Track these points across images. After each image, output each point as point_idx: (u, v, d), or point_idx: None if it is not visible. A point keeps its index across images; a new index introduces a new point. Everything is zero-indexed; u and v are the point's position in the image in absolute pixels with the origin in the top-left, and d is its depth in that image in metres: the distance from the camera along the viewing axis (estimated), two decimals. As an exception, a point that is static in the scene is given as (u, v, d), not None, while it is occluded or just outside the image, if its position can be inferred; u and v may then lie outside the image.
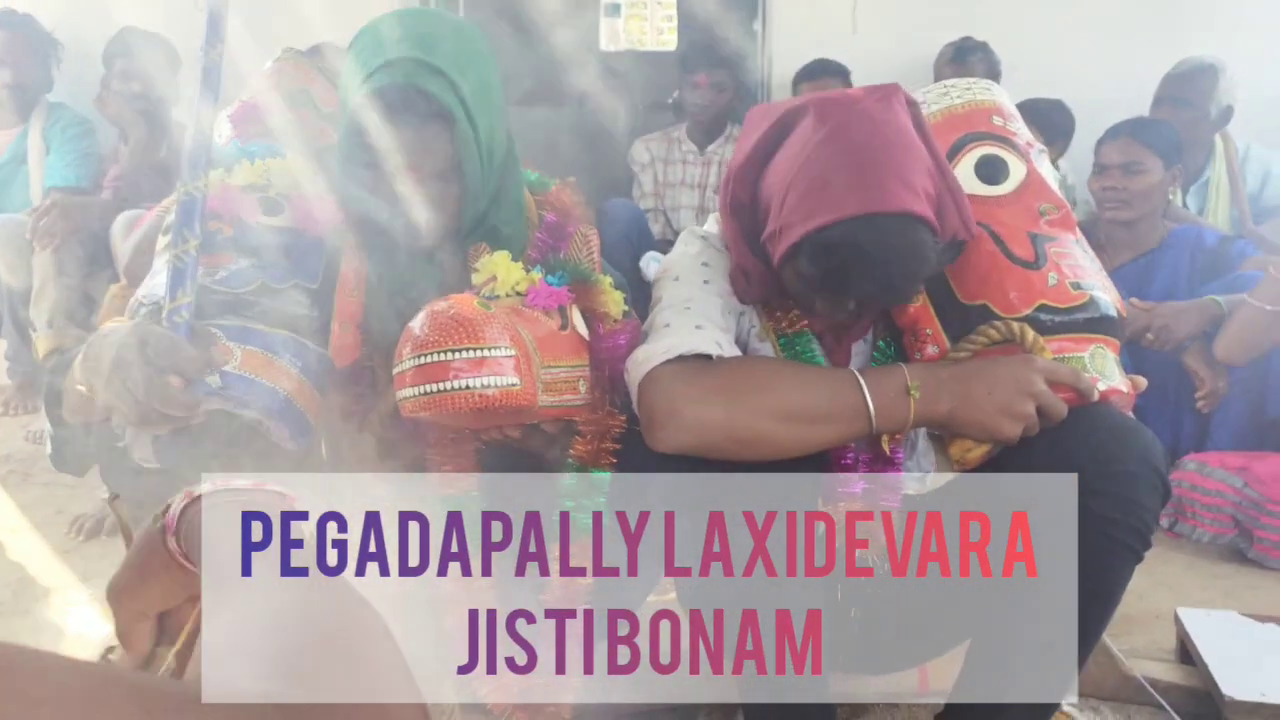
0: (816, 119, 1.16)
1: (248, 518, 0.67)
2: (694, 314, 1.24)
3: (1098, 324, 1.23)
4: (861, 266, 1.12)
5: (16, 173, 3.17)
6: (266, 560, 0.63)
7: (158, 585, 0.71)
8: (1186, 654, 1.61)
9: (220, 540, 0.64)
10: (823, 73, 3.34)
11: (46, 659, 0.39)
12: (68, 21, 3.29)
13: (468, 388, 1.03)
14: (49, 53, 3.22)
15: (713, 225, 1.39)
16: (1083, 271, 1.25)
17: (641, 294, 1.42)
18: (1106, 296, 1.25)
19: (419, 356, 1.04)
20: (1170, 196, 2.73)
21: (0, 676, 0.36)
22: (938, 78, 3.28)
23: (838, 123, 1.15)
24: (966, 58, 3.30)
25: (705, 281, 1.29)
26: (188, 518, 0.68)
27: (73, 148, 3.13)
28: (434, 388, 1.03)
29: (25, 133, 3.17)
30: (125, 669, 0.49)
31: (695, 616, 1.35)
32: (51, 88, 3.26)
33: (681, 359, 1.18)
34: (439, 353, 1.03)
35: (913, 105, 1.21)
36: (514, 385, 1.05)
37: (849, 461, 1.31)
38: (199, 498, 0.69)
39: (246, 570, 0.60)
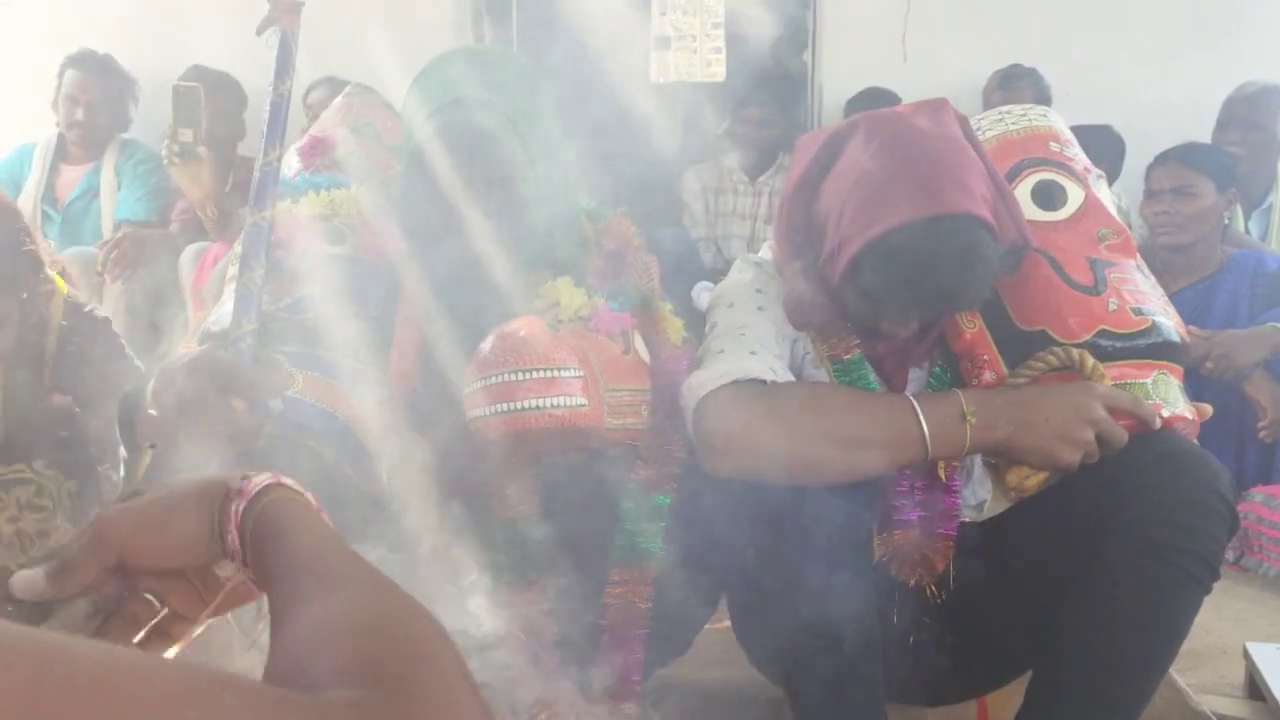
0: (867, 135, 1.17)
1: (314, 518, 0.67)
2: (748, 340, 1.25)
3: (1160, 350, 1.22)
4: (925, 270, 1.12)
5: (89, 207, 3.28)
6: (338, 567, 0.63)
7: (177, 540, 0.65)
8: (1256, 689, 1.57)
9: (297, 534, 0.62)
10: (873, 102, 3.34)
11: (153, 664, 0.40)
12: (140, 59, 3.41)
13: (537, 408, 1.05)
14: (126, 92, 3.35)
15: (766, 253, 1.40)
16: (1144, 297, 1.24)
17: (693, 323, 1.43)
18: (1169, 322, 1.23)
19: (489, 377, 1.06)
20: (1226, 221, 2.68)
21: (106, 684, 0.38)
22: (986, 105, 3.27)
23: (889, 134, 1.15)
24: (1015, 84, 3.28)
25: (759, 308, 1.30)
26: (254, 518, 0.64)
27: (143, 183, 3.24)
28: (503, 407, 1.05)
29: (98, 168, 3.29)
30: (231, 673, 0.49)
31: (751, 643, 1.34)
32: (128, 126, 3.38)
33: (736, 384, 1.19)
34: (509, 373, 1.05)
35: (962, 120, 1.22)
36: (582, 406, 1.07)
37: (904, 488, 1.30)
38: (270, 485, 0.66)
39: (321, 571, 0.60)
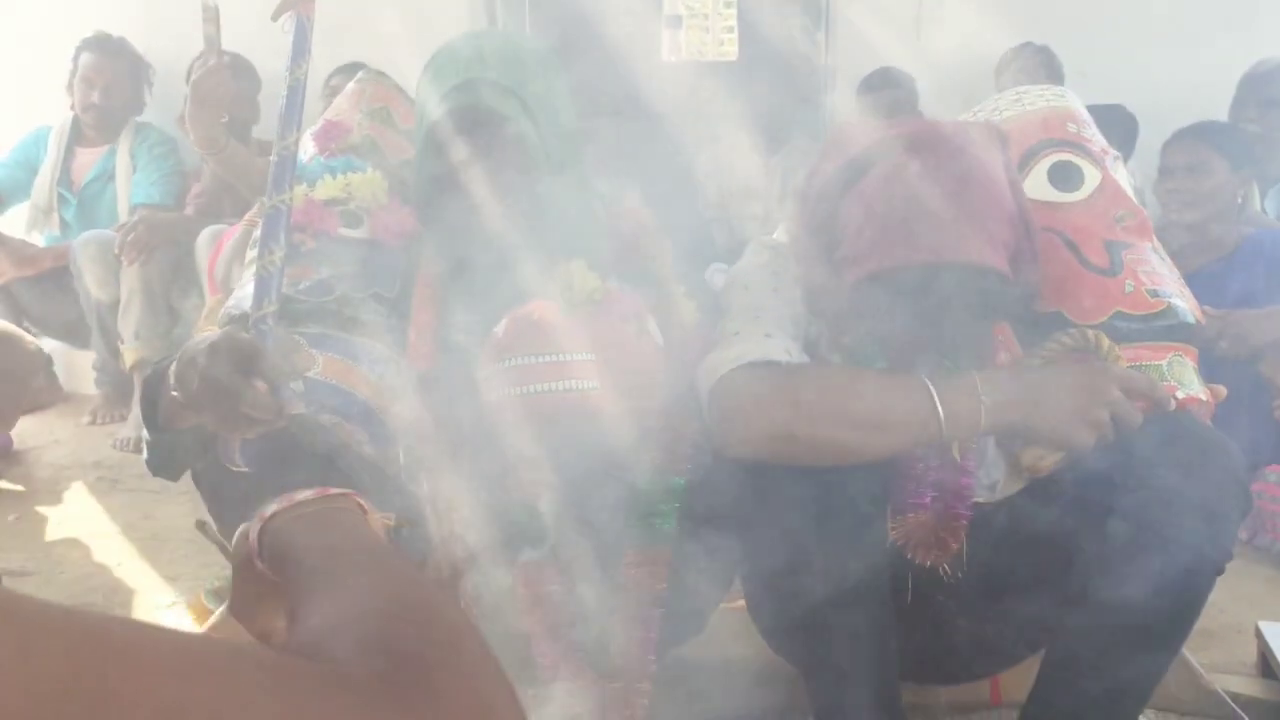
0: (906, 154, 1.16)
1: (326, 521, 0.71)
2: (763, 322, 1.25)
3: (1176, 331, 1.22)
4: (928, 315, 1.12)
5: (105, 190, 3.30)
6: (355, 557, 0.65)
7: (267, 603, 0.75)
8: (1268, 668, 1.58)
9: (307, 550, 0.67)
10: (887, 82, 3.32)
11: (176, 633, 0.42)
12: (155, 43, 3.42)
13: (550, 391, 1.06)
14: (140, 75, 3.36)
15: (781, 235, 1.40)
16: (1160, 279, 1.24)
17: (706, 305, 1.43)
18: (1185, 304, 1.23)
19: (503, 360, 1.07)
20: (1240, 200, 2.67)
21: (131, 650, 0.39)
22: (999, 84, 3.25)
23: (927, 161, 1.14)
24: (1027, 62, 3.25)
25: (775, 290, 1.30)
26: (267, 537, 0.71)
27: (158, 166, 3.25)
28: (518, 391, 1.06)
29: (113, 151, 3.30)
30: (251, 644, 0.52)
31: (765, 623, 1.36)
32: (142, 110, 3.39)
33: (751, 366, 1.19)
34: (523, 357, 1.06)
35: (1005, 146, 1.20)
36: (594, 389, 1.08)
37: (918, 469, 1.30)
38: (272, 516, 0.72)
39: (333, 568, 0.63)
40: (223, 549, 0.89)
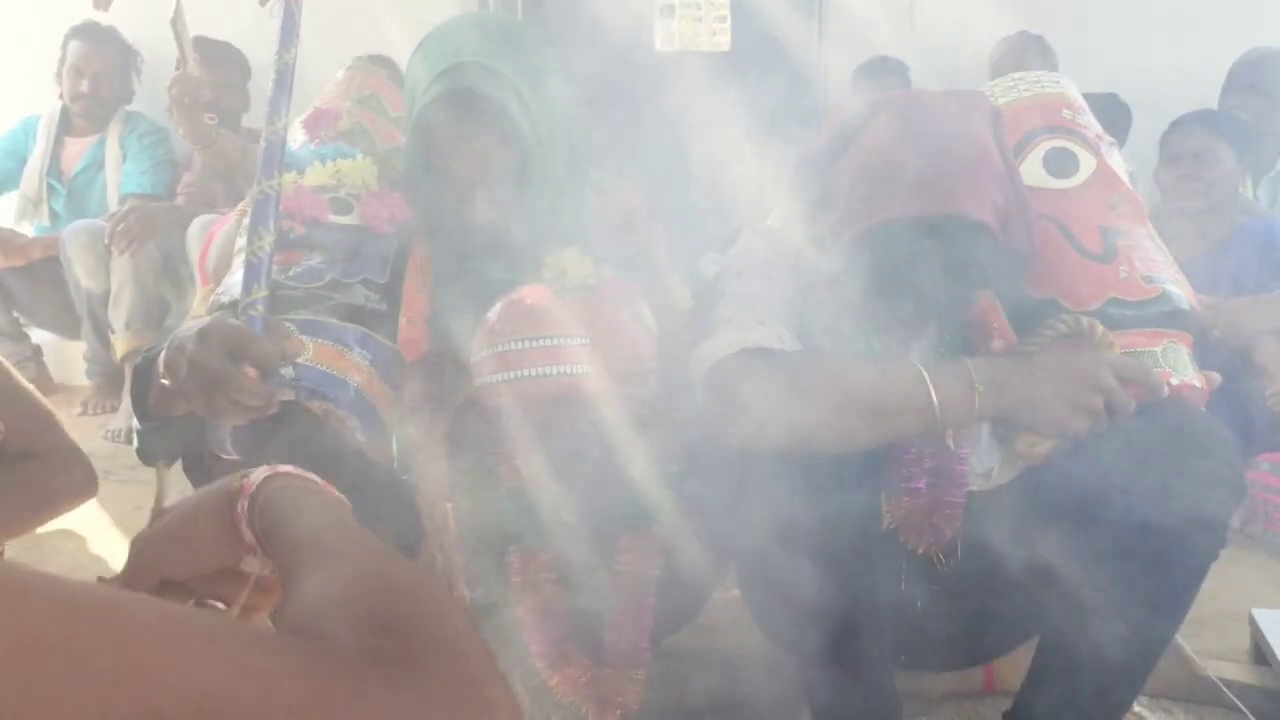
0: (893, 117, 1.17)
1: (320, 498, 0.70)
2: (757, 309, 1.25)
3: (1170, 318, 1.21)
4: (915, 267, 1.12)
5: (94, 179, 3.27)
6: (345, 540, 0.65)
7: (200, 546, 0.71)
8: (1261, 655, 1.58)
9: (300, 532, 0.66)
10: (881, 70, 3.32)
11: (165, 607, 0.41)
12: (144, 31, 3.39)
13: (543, 375, 1.05)
14: (130, 64, 3.33)
15: (774, 222, 1.39)
16: (1155, 265, 1.23)
17: (700, 293, 1.43)
18: (1179, 290, 1.23)
19: (496, 345, 1.07)
20: (1239, 189, 2.67)
21: (116, 616, 0.39)
22: (993, 72, 3.24)
23: (913, 121, 1.15)
24: (1022, 50, 3.25)
25: (767, 277, 1.30)
26: (258, 507, 0.69)
27: (148, 155, 3.23)
28: (510, 375, 1.06)
29: (103, 140, 3.28)
30: (243, 623, 0.52)
31: (760, 611, 1.35)
32: (131, 98, 3.37)
33: (745, 353, 1.19)
34: (515, 341, 1.06)
35: (995, 116, 1.20)
36: (588, 374, 1.07)
37: (912, 456, 1.30)
38: (268, 478, 0.70)
39: (325, 546, 0.63)
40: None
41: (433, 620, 0.50)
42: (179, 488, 1.37)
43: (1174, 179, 2.51)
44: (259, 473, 0.70)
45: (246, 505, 0.69)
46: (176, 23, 2.04)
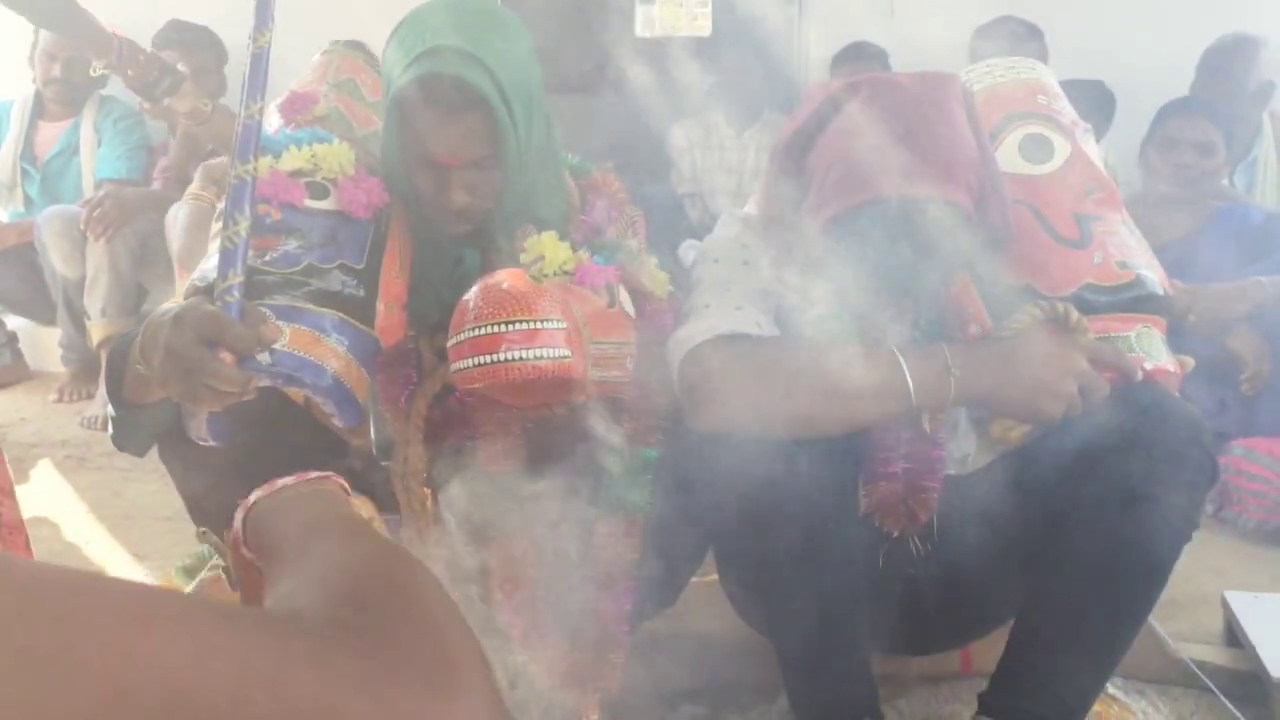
0: (866, 99, 1.17)
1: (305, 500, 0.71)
2: (734, 295, 1.25)
3: (1144, 303, 1.22)
4: (889, 248, 1.13)
5: (69, 164, 3.24)
6: (327, 529, 0.66)
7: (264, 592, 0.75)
8: (1233, 637, 1.60)
9: (284, 532, 0.68)
10: (860, 56, 3.31)
11: (131, 583, 0.41)
12: (120, 15, 3.35)
13: (520, 359, 1.05)
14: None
15: (752, 208, 1.39)
16: (1129, 250, 1.24)
17: (678, 280, 1.43)
18: (1153, 275, 1.24)
19: (473, 329, 1.06)
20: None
21: (88, 592, 0.39)
22: (973, 58, 3.24)
23: (887, 104, 1.15)
24: (1001, 36, 3.25)
25: (745, 263, 1.30)
26: (251, 522, 0.72)
27: (123, 140, 3.20)
28: (487, 359, 1.05)
29: (77, 125, 3.24)
30: (212, 598, 0.53)
31: (737, 595, 1.36)
32: (106, 83, 3.32)
33: (722, 339, 1.19)
34: (492, 324, 1.05)
35: (968, 98, 1.21)
36: (565, 358, 1.07)
37: (889, 440, 1.31)
38: (255, 504, 0.73)
39: (306, 541, 0.63)
40: (219, 550, 0.89)
41: (407, 595, 0.50)
42: (159, 477, 1.36)
43: (1170, 165, 2.50)
44: (236, 516, 0.74)
45: (245, 547, 0.72)
46: None
